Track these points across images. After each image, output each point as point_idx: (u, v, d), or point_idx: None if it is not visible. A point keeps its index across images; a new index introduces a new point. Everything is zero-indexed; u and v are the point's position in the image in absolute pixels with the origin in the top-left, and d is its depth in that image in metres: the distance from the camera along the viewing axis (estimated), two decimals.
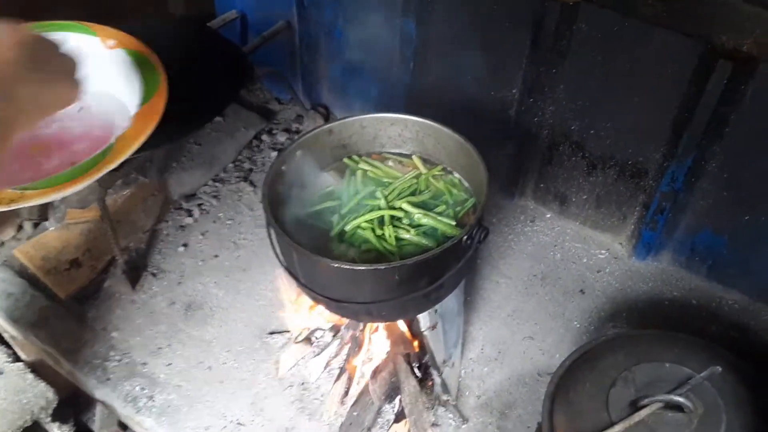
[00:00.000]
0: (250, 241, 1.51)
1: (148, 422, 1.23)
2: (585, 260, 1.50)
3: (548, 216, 1.58)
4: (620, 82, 1.26)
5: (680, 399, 0.98)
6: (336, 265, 0.90)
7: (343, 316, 1.11)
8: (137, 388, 1.27)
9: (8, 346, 1.81)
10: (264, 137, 1.74)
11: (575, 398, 1.05)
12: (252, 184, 1.64)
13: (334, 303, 0.99)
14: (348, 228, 1.03)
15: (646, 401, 0.99)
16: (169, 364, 1.30)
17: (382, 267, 0.90)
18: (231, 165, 1.67)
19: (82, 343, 1.34)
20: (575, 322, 1.38)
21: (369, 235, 1.02)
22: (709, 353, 1.05)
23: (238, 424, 1.22)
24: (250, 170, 1.67)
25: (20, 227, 1.54)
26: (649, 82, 1.22)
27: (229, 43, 1.53)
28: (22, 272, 1.47)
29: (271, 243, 1.02)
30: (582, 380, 1.07)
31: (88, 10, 1.57)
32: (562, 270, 1.48)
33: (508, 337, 1.36)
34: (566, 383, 1.08)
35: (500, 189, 1.60)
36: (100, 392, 1.30)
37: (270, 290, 1.42)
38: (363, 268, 0.90)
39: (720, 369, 0.99)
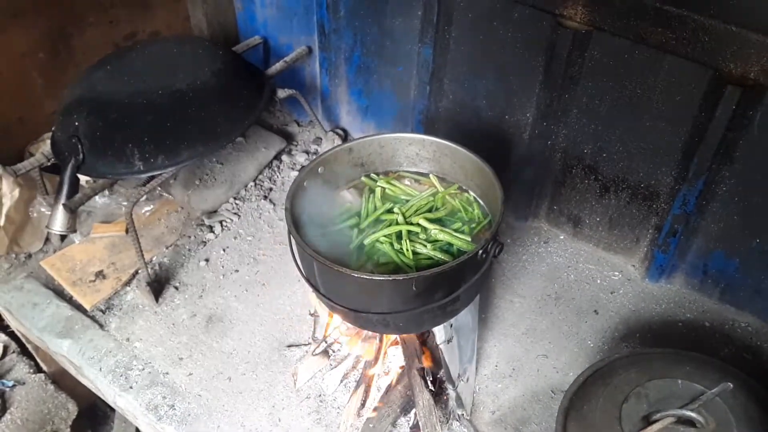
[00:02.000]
0: (269, 257, 1.55)
1: (169, 430, 1.26)
2: (599, 281, 1.52)
3: (562, 237, 1.61)
4: (631, 106, 1.29)
5: (692, 414, 1.00)
6: (356, 275, 0.94)
7: (360, 327, 1.14)
8: (159, 397, 1.30)
9: (31, 357, 1.86)
10: (284, 158, 1.80)
11: (588, 413, 1.07)
12: (272, 202, 1.68)
13: (352, 313, 1.03)
14: (367, 242, 1.07)
15: (658, 416, 1.01)
16: (190, 374, 1.34)
17: (401, 278, 0.94)
18: (252, 184, 1.72)
19: (105, 352, 1.38)
20: (589, 342, 1.39)
21: (387, 248, 1.06)
22: (721, 372, 1.07)
23: None
24: (270, 189, 1.72)
25: (47, 240, 1.59)
26: (660, 107, 1.26)
27: (252, 66, 1.59)
28: (48, 283, 1.52)
29: (292, 253, 1.06)
30: (595, 395, 1.09)
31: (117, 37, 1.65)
32: (575, 290, 1.50)
33: (522, 354, 1.38)
34: (580, 398, 1.10)
35: (514, 211, 1.63)
36: (122, 400, 1.33)
37: (288, 304, 1.45)
38: (382, 278, 0.94)
39: (731, 386, 1.01)
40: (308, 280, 1.06)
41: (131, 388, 1.33)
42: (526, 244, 1.60)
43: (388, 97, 1.65)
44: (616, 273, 1.53)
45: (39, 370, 1.85)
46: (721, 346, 1.36)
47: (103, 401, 1.89)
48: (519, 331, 1.42)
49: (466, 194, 1.18)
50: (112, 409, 1.94)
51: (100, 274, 1.51)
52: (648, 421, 1.01)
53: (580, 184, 1.48)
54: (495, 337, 1.41)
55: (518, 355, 1.38)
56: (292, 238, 1.02)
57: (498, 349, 1.39)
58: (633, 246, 1.51)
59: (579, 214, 1.54)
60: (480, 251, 0.98)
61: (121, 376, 1.35)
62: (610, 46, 1.24)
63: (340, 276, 0.96)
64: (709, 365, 1.10)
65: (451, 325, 1.17)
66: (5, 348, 1.90)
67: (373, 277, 0.94)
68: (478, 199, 1.17)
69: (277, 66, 1.63)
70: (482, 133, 1.53)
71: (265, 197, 1.69)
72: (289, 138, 1.85)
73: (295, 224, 1.03)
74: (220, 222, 1.63)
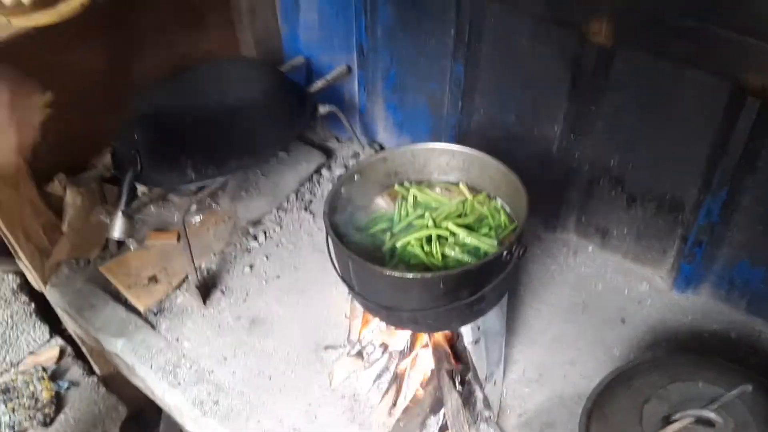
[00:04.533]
0: (309, 265, 1.64)
1: (213, 424, 1.34)
2: (626, 291, 1.55)
3: (590, 249, 1.64)
4: (655, 118, 1.34)
5: (711, 414, 1.03)
6: (388, 272, 1.01)
7: (391, 324, 1.21)
8: (204, 393, 1.39)
9: (85, 360, 1.98)
10: (324, 172, 1.89)
11: (610, 414, 1.11)
12: (311, 213, 1.78)
13: (384, 310, 1.10)
14: (399, 244, 1.14)
15: (678, 416, 1.04)
16: (234, 373, 1.42)
17: (429, 276, 1.01)
18: (293, 196, 1.82)
19: (156, 351, 1.48)
20: (615, 350, 1.42)
21: (417, 251, 1.13)
22: (743, 377, 1.09)
23: (294, 429, 1.32)
24: (311, 201, 1.81)
25: (105, 247, 1.72)
26: (683, 119, 1.30)
27: (295, 84, 1.70)
28: (105, 287, 1.64)
29: (329, 254, 1.14)
30: (618, 397, 1.13)
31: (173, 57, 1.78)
32: (603, 300, 1.53)
33: (549, 361, 1.42)
34: (603, 400, 1.14)
35: (543, 222, 1.68)
36: (170, 396, 1.42)
37: (326, 309, 1.53)
38: (411, 276, 1.01)
39: (750, 388, 1.04)
40: (344, 279, 1.14)
41: (179, 384, 1.42)
42: (554, 254, 1.64)
43: (423, 113, 1.73)
44: (644, 284, 1.56)
45: (92, 372, 1.97)
46: (747, 356, 1.37)
47: (151, 406, 2.01)
48: (546, 338, 1.46)
49: (493, 202, 1.25)
50: (159, 415, 2.05)
51: (153, 279, 1.62)
52: (668, 421, 1.04)
53: (607, 196, 1.53)
54: (522, 343, 1.45)
55: (545, 361, 1.42)
56: (329, 239, 1.10)
57: (525, 355, 1.43)
58: (660, 257, 1.53)
59: (607, 226, 1.58)
60: (504, 252, 1.04)
61: (170, 373, 1.44)
62: (634, 60, 1.29)
63: (373, 274, 1.04)
64: (730, 370, 1.13)
65: (479, 327, 1.23)
66: (62, 351, 2.03)
67: (404, 275, 1.01)
68: (505, 206, 1.23)
69: (318, 84, 1.74)
70: (512, 146, 1.59)
71: (306, 209, 1.79)
72: (328, 153, 1.95)
73: (333, 227, 1.11)
74: (264, 231, 1.73)
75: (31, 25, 1.34)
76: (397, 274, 1.01)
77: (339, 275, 1.15)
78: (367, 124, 1.89)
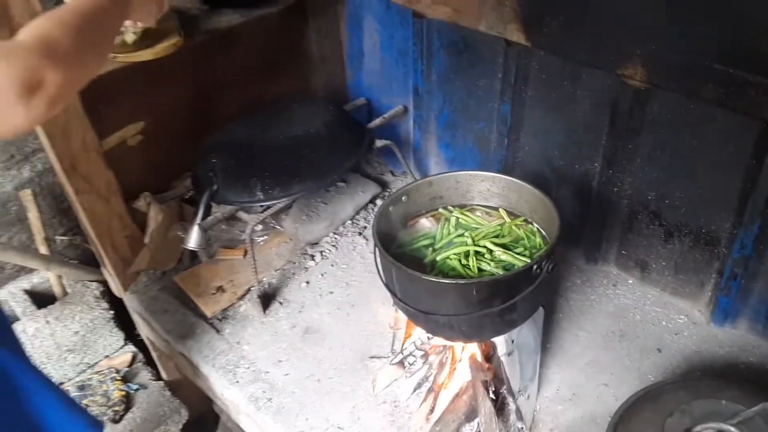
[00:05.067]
0: (359, 283, 1.78)
1: (266, 419, 1.47)
2: (664, 323, 1.60)
3: (630, 282, 1.71)
4: (689, 156, 1.42)
5: (731, 428, 1.07)
6: (426, 278, 1.13)
7: (428, 330, 1.31)
8: (259, 391, 1.52)
9: (154, 366, 2.16)
10: (378, 202, 2.04)
11: (635, 426, 1.17)
12: (365, 238, 1.92)
13: (423, 315, 1.21)
14: (439, 258, 1.26)
15: (698, 428, 1.09)
16: (287, 375, 1.55)
17: (463, 282, 1.12)
18: (349, 222, 1.97)
19: (219, 352, 1.63)
20: (650, 376, 1.47)
21: (455, 264, 1.25)
22: (765, 395, 1.13)
23: (338, 428, 1.43)
24: (365, 227, 1.96)
25: (180, 260, 1.91)
26: (715, 156, 1.38)
27: (356, 121, 1.88)
28: (178, 294, 1.82)
29: (377, 265, 1.27)
30: (643, 411, 1.20)
31: (249, 96, 1.99)
32: (640, 330, 1.59)
33: (583, 382, 1.48)
34: (629, 414, 1.21)
35: (584, 254, 1.76)
36: (228, 393, 1.56)
37: (373, 323, 1.65)
38: (448, 281, 1.13)
39: None
40: (388, 287, 1.26)
41: (237, 382, 1.56)
42: (595, 285, 1.71)
43: (471, 150, 1.87)
44: (682, 316, 1.60)
45: (159, 378, 2.15)
46: None
47: (210, 413, 2.16)
48: (582, 361, 1.53)
49: (530, 225, 1.35)
50: (216, 422, 2.19)
51: (220, 289, 1.79)
52: None
53: (645, 230, 1.60)
54: (558, 365, 1.52)
55: (580, 382, 1.48)
56: (376, 249, 1.23)
57: (561, 376, 1.50)
58: (698, 290, 1.58)
59: (646, 259, 1.65)
60: (534, 266, 1.14)
61: (230, 372, 1.59)
62: (667, 101, 1.39)
63: (413, 280, 1.16)
64: (754, 390, 1.17)
65: (513, 341, 1.32)
66: (134, 357, 2.22)
67: (441, 280, 1.13)
68: (541, 230, 1.34)
69: (376, 121, 1.91)
70: (555, 182, 1.70)
71: (360, 233, 1.94)
72: (383, 185, 2.10)
73: (380, 240, 1.25)
74: (321, 252, 1.88)
75: (132, 60, 1.58)
76: (434, 278, 1.13)
77: (384, 283, 1.27)
78: (421, 159, 2.04)
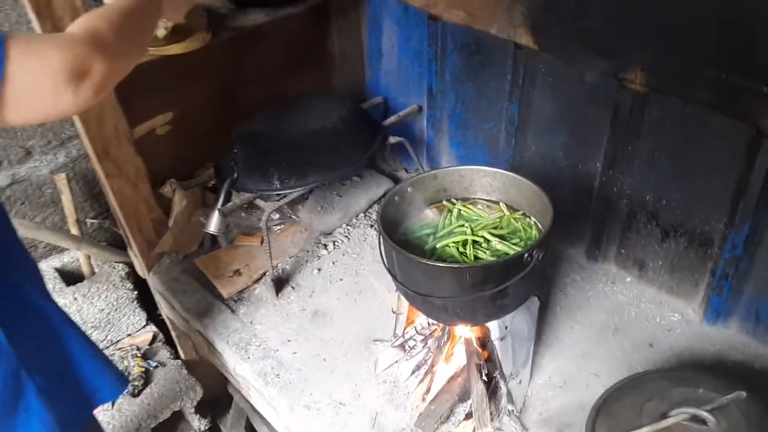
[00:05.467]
0: (368, 272, 1.86)
1: (273, 393, 1.57)
2: (658, 320, 1.65)
3: (628, 279, 1.77)
4: (685, 158, 1.48)
5: (705, 413, 1.14)
6: (423, 261, 1.22)
7: (425, 312, 1.40)
8: (268, 367, 1.62)
9: (173, 345, 2.28)
10: None
11: (616, 410, 1.24)
12: (376, 230, 2.01)
13: (420, 297, 1.29)
14: (438, 245, 1.34)
15: (674, 412, 1.15)
16: (294, 353, 1.65)
17: (456, 266, 1.21)
18: (362, 215, 2.07)
19: (233, 330, 1.74)
20: (639, 368, 1.53)
21: (454, 251, 1.33)
22: (742, 385, 1.19)
23: (340, 404, 1.52)
24: (376, 221, 2.05)
25: (201, 245, 2.02)
26: (709, 159, 1.44)
27: (372, 118, 1.97)
28: (197, 276, 1.93)
29: (380, 249, 1.36)
30: (625, 397, 1.27)
31: (272, 94, 2.10)
32: (634, 325, 1.65)
33: (574, 371, 1.55)
34: (611, 399, 1.28)
35: (586, 252, 1.82)
36: (240, 368, 1.66)
37: (378, 309, 1.74)
38: (442, 265, 1.21)
39: (745, 394, 1.14)
40: (390, 271, 1.35)
41: (249, 358, 1.66)
42: (593, 282, 1.78)
43: (481, 148, 1.95)
44: (676, 314, 1.65)
45: (177, 357, 2.26)
46: None
47: (223, 394, 2.26)
48: (575, 352, 1.59)
49: (527, 219, 1.43)
50: (229, 403, 2.30)
51: (237, 272, 1.90)
52: (665, 416, 1.16)
53: (644, 230, 1.66)
54: (552, 354, 1.59)
55: (571, 371, 1.54)
56: (380, 236, 1.32)
57: (553, 365, 1.57)
58: (692, 290, 1.63)
59: (644, 258, 1.71)
60: (525, 254, 1.22)
61: (242, 349, 1.69)
62: (665, 105, 1.45)
63: (412, 263, 1.24)
64: (732, 381, 1.22)
65: (506, 327, 1.40)
66: (154, 337, 2.35)
67: (436, 264, 1.21)
68: (538, 223, 1.41)
69: (391, 119, 2.00)
70: (559, 181, 1.76)
71: (371, 226, 2.03)
72: (396, 181, 2.19)
73: (385, 229, 1.33)
74: (333, 242, 1.98)
75: (163, 54, 1.69)
76: (430, 262, 1.22)
77: (386, 267, 1.36)
78: (433, 157, 2.12)
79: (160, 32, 1.64)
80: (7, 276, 1.09)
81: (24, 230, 1.98)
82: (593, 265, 1.82)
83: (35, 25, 1.43)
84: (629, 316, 1.67)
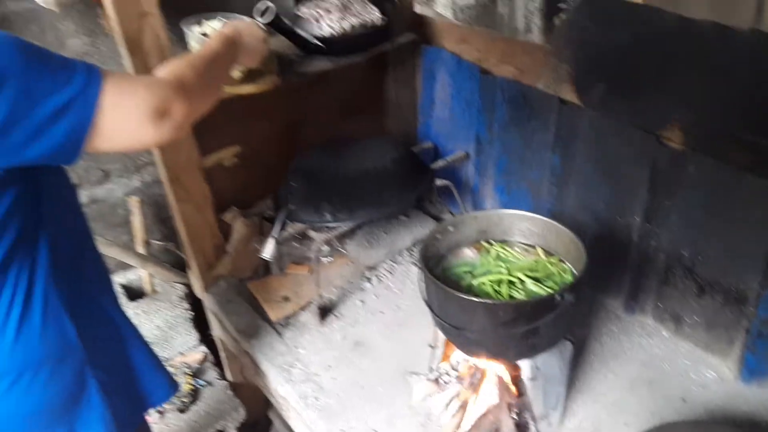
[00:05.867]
0: (408, 307, 1.95)
1: (312, 416, 1.65)
2: (692, 375, 1.67)
3: (664, 333, 1.79)
4: (720, 215, 1.53)
5: None
6: (459, 295, 1.30)
7: (459, 345, 1.46)
8: (309, 391, 1.71)
9: (221, 367, 2.40)
10: None
11: None
12: (418, 267, 2.10)
13: (455, 330, 1.37)
14: (475, 282, 1.43)
15: None
16: (334, 379, 1.74)
17: (490, 302, 1.28)
18: (406, 252, 2.16)
19: (278, 353, 1.84)
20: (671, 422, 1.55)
21: (489, 289, 1.41)
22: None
23: (374, 430, 1.59)
24: (418, 255, 2.14)
25: (255, 270, 2.16)
26: (744, 217, 1.48)
27: (421, 161, 2.09)
28: (249, 299, 2.05)
29: (419, 282, 1.45)
30: None
31: (330, 133, 2.26)
32: (668, 379, 1.66)
33: (606, 419, 1.57)
34: None
35: (623, 304, 1.86)
36: (282, 389, 1.76)
37: (417, 343, 1.81)
38: (476, 299, 1.29)
39: None
40: (428, 304, 1.44)
41: (291, 380, 1.76)
42: (630, 334, 1.81)
43: (524, 196, 2.03)
44: (711, 371, 1.66)
45: (224, 378, 2.38)
46: None
47: (266, 420, 2.35)
48: (607, 400, 1.62)
49: (563, 264, 1.50)
50: (269, 428, 2.39)
51: (285, 298, 2.02)
52: None
53: (680, 284, 1.69)
54: (584, 401, 1.62)
55: (602, 418, 1.57)
56: (421, 269, 1.42)
57: (584, 410, 1.60)
58: (728, 347, 1.65)
59: (680, 313, 1.73)
60: (557, 295, 1.29)
61: (285, 371, 1.79)
62: (702, 164, 1.51)
63: (448, 297, 1.33)
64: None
65: (538, 367, 1.45)
66: (204, 356, 2.48)
67: (471, 298, 1.30)
68: (573, 269, 1.48)
69: (439, 163, 2.11)
70: (599, 231, 1.82)
71: (414, 264, 2.12)
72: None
73: (425, 263, 1.43)
74: (377, 276, 2.08)
75: (236, 93, 1.86)
76: (466, 296, 1.30)
77: (425, 300, 1.45)
78: (478, 202, 2.22)
79: (236, 74, 1.81)
80: (84, 279, 1.22)
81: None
82: (630, 316, 1.85)
83: (125, 59, 1.61)
84: (664, 369, 1.69)
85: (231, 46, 1.30)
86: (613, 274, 1.84)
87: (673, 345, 1.76)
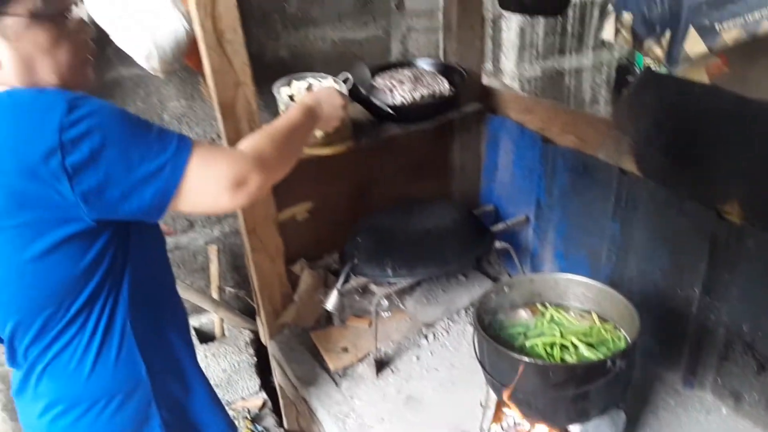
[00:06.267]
0: (463, 366, 1.99)
1: None
2: None
3: (723, 410, 1.74)
4: None
5: None
6: (510, 354, 1.35)
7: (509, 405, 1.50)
8: None
9: (279, 414, 2.49)
10: None
11: None
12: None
13: (505, 389, 1.41)
14: (528, 343, 1.47)
15: None
16: None
17: (541, 363, 1.32)
18: (463, 312, 2.22)
19: (334, 402, 1.91)
20: None
21: (541, 351, 1.45)
22: None
23: None
24: (472, 313, 2.19)
25: (318, 321, 2.26)
26: None
27: (481, 223, 2.17)
28: (310, 348, 2.15)
29: (473, 341, 1.50)
30: None
31: (396, 194, 2.38)
32: None
33: None
34: None
35: (682, 378, 1.83)
36: None
37: (469, 402, 1.84)
38: (528, 359, 1.33)
39: None
40: (480, 361, 1.49)
41: (345, 430, 1.81)
42: (688, 409, 1.77)
43: (583, 262, 2.06)
44: None
45: (281, 425, 2.47)
46: None
47: None
48: None
49: (617, 332, 1.52)
50: None
51: (344, 349, 2.10)
52: None
53: (740, 360, 1.66)
54: None
55: None
56: (474, 327, 1.48)
57: None
58: None
59: (740, 390, 1.69)
60: (608, 361, 1.31)
61: (341, 420, 1.85)
62: (761, 239, 1.51)
63: (500, 354, 1.38)
64: None
65: None
66: (264, 403, 2.58)
67: (522, 358, 1.34)
68: (627, 337, 1.50)
69: (499, 226, 2.18)
70: (658, 302, 1.83)
71: (471, 323, 2.17)
72: None
73: (479, 321, 1.49)
74: (434, 333, 2.13)
75: (314, 154, 2.02)
76: (517, 355, 1.34)
77: (477, 358, 1.50)
78: (536, 265, 2.26)
79: (317, 134, 1.90)
80: (160, 318, 1.33)
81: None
82: (689, 391, 1.82)
83: (219, 122, 1.80)
84: None
85: (310, 115, 1.42)
86: (671, 347, 1.83)
87: (732, 422, 1.71)
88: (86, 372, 1.20)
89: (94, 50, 1.20)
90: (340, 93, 1.58)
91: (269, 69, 2.34)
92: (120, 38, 1.80)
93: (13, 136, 0.98)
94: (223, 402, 2.48)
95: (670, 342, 1.83)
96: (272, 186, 1.26)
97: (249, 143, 1.19)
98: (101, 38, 1.79)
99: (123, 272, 1.20)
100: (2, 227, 1.03)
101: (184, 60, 1.96)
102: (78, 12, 1.14)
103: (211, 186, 1.08)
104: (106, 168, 1.00)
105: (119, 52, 1.86)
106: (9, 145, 0.98)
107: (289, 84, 1.92)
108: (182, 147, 1.06)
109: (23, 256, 1.06)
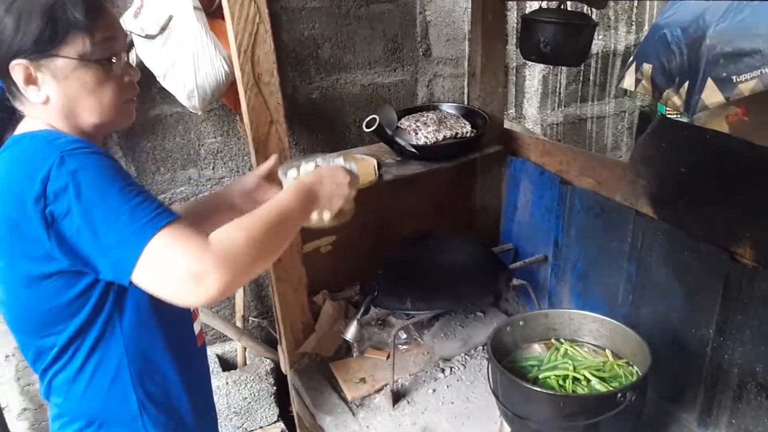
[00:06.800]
0: (478, 400, 2.01)
1: None
2: None
3: None
4: None
5: None
6: (522, 384, 1.39)
7: None
8: None
9: None
10: None
11: None
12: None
13: (518, 420, 1.45)
14: (541, 376, 1.51)
15: None
16: None
17: (552, 393, 1.36)
18: (480, 347, 2.25)
19: (350, 431, 1.96)
20: None
21: (554, 383, 1.48)
22: None
23: None
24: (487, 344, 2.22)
25: (338, 351, 2.32)
26: None
27: (500, 261, 2.22)
28: (329, 378, 2.20)
29: (487, 372, 1.55)
30: None
31: (416, 231, 2.45)
32: None
33: None
34: None
35: (697, 418, 1.83)
36: None
37: None
38: (539, 390, 1.37)
39: None
40: (494, 392, 1.53)
41: None
42: None
43: (599, 301, 2.09)
44: None
45: None
46: None
47: None
48: None
49: (630, 368, 1.55)
50: None
51: (362, 380, 2.15)
52: None
53: (754, 401, 1.67)
54: None
55: None
56: (488, 358, 1.52)
57: None
58: None
59: (754, 431, 1.69)
60: (619, 394, 1.35)
61: None
62: None
63: (512, 385, 1.42)
64: None
65: None
66: None
67: (534, 388, 1.38)
68: (639, 373, 1.53)
69: (517, 264, 2.24)
70: (673, 342, 1.85)
71: (487, 359, 2.20)
72: None
73: (493, 352, 1.54)
74: (450, 367, 2.17)
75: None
76: (529, 386, 1.39)
77: (491, 389, 1.54)
78: (554, 304, 2.29)
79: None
80: (164, 355, 1.30)
81: (203, 316, 2.42)
82: (703, 431, 1.82)
83: (252, 157, 1.91)
84: None
85: (306, 196, 1.31)
86: (686, 387, 1.84)
87: None
88: (79, 394, 1.25)
89: (138, 91, 1.26)
90: (346, 170, 1.45)
91: (301, 108, 2.47)
92: (166, 79, 1.94)
93: (16, 174, 1.05)
94: (243, 429, 2.54)
95: (685, 382, 1.84)
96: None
97: (221, 236, 1.06)
98: (147, 78, 1.94)
99: (122, 306, 1.19)
100: (3, 248, 1.13)
101: (222, 99, 2.09)
102: (124, 57, 1.21)
103: (168, 275, 1.02)
104: (78, 225, 1.01)
105: (163, 90, 2.00)
106: (10, 181, 1.06)
107: (298, 168, 1.70)
108: (150, 225, 1.01)
109: (18, 279, 1.13)
